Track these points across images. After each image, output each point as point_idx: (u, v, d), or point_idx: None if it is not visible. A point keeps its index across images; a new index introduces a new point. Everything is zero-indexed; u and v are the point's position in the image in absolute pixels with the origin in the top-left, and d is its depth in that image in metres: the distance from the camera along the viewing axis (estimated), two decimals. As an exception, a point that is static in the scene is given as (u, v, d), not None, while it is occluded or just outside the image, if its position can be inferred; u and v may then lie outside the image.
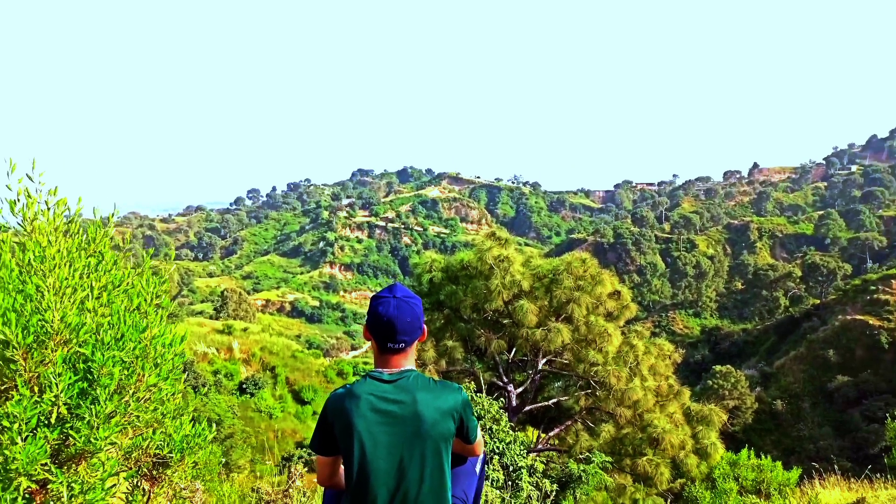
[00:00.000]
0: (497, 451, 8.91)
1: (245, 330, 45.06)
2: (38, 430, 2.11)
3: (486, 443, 8.84)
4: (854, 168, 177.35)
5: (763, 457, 12.12)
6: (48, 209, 2.68)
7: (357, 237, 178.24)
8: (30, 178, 2.72)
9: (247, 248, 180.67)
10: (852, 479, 8.71)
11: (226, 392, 32.55)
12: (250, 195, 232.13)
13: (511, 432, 9.52)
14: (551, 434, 14.28)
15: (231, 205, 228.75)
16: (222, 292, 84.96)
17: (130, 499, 3.01)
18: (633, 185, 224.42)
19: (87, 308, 2.36)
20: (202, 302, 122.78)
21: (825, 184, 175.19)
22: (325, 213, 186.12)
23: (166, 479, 3.20)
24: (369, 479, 2.39)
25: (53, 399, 2.16)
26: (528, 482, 8.80)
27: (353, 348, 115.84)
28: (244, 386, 33.86)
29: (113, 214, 2.93)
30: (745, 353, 72.90)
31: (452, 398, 2.52)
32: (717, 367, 54.17)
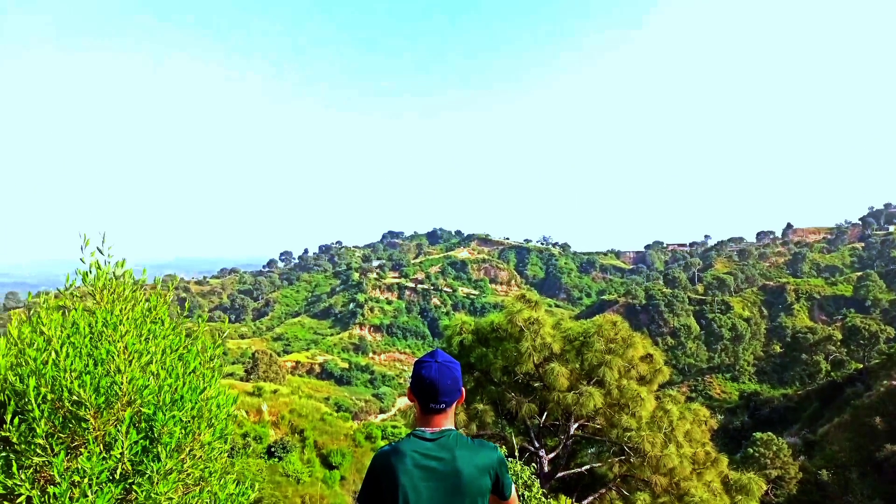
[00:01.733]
0: (529, 518, 8.77)
1: (275, 392, 45.06)
2: (105, 485, 2.28)
3: (517, 509, 8.72)
4: (892, 228, 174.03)
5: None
6: (115, 279, 2.94)
7: (387, 298, 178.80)
8: (100, 251, 2.99)
9: (278, 310, 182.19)
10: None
11: (254, 455, 32.48)
12: (283, 257, 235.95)
13: (544, 499, 9.38)
14: (585, 503, 13.93)
15: (264, 267, 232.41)
16: (253, 354, 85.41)
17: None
18: (665, 245, 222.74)
19: (151, 371, 2.57)
20: (233, 363, 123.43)
21: (862, 244, 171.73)
22: (356, 275, 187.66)
23: (210, 537, 3.32)
24: None
25: (119, 456, 2.35)
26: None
27: (382, 411, 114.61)
28: (272, 449, 33.67)
29: (173, 284, 3.18)
30: (787, 419, 70.32)
31: (489, 456, 2.77)
32: (758, 435, 52.25)
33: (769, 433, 52.73)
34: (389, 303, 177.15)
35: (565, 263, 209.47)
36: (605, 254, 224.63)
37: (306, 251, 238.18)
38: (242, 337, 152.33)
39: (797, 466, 51.31)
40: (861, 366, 72.46)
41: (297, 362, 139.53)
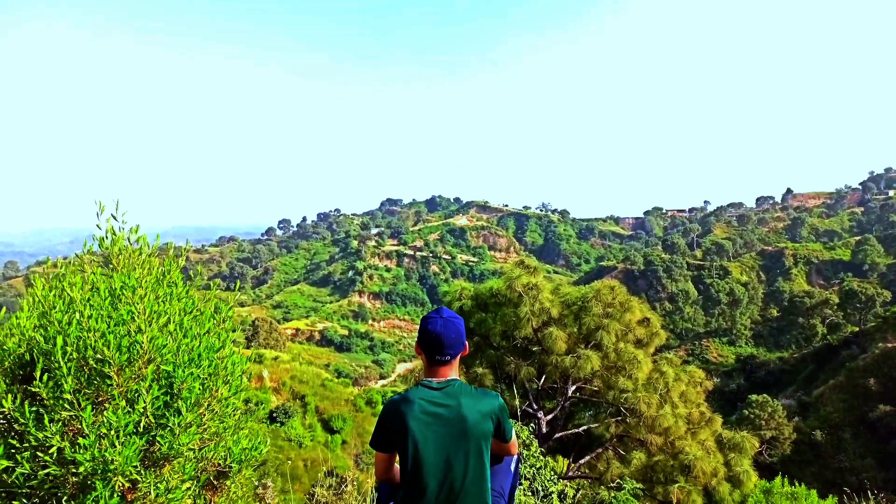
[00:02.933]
0: (528, 476, 9.05)
1: (275, 359, 45.54)
2: (130, 437, 2.44)
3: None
4: (892, 192, 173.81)
5: (798, 485, 12.01)
6: (130, 245, 3.06)
7: (386, 266, 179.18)
8: (114, 217, 3.11)
9: (277, 278, 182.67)
10: (883, 500, 8.63)
11: (256, 421, 33.02)
12: (281, 225, 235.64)
13: (542, 458, 9.65)
14: (582, 462, 14.28)
15: (262, 235, 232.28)
16: (253, 321, 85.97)
17: (191, 507, 3.31)
18: (664, 211, 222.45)
19: (169, 331, 2.71)
20: (233, 331, 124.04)
21: (862, 209, 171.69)
22: (355, 243, 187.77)
23: (225, 489, 3.51)
24: (421, 472, 2.83)
25: (142, 410, 2.50)
26: (560, 507, 8.89)
27: (382, 377, 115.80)
28: (274, 414, 34.20)
29: (185, 249, 3.30)
30: (782, 382, 71.25)
31: (491, 403, 2.98)
32: (753, 397, 53.05)
33: (764, 395, 53.51)
34: (388, 270, 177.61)
35: (564, 230, 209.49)
36: (604, 220, 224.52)
37: (304, 219, 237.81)
38: (242, 305, 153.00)
39: (791, 427, 52.16)
40: (857, 329, 73.14)
41: (297, 329, 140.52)
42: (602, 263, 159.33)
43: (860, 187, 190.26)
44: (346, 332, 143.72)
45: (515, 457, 3.43)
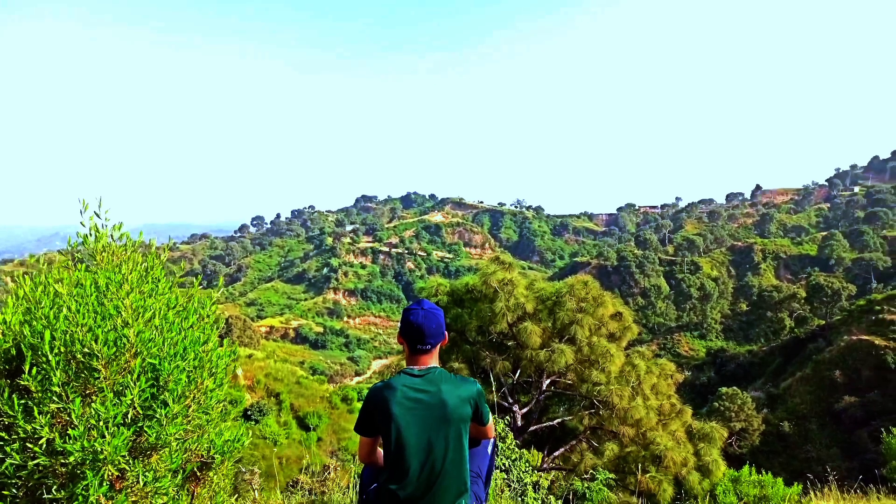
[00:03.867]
0: (503, 467, 9.21)
1: (250, 356, 45.16)
2: (118, 428, 2.52)
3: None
4: (857, 189, 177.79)
5: (764, 473, 12.35)
6: (113, 242, 3.13)
7: (361, 263, 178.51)
8: (97, 214, 3.17)
9: (251, 275, 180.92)
10: (850, 492, 8.96)
11: (230, 419, 32.63)
12: (254, 222, 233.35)
13: (517, 450, 9.83)
14: (556, 454, 14.51)
15: (235, 232, 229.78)
16: (227, 319, 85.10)
17: (177, 498, 3.39)
18: (636, 208, 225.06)
19: (155, 325, 2.79)
20: (216, 325, 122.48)
21: (828, 205, 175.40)
22: (329, 240, 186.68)
23: (208, 481, 3.59)
24: (404, 453, 2.99)
25: (130, 401, 2.58)
26: (534, 498, 9.07)
27: (358, 374, 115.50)
28: (249, 412, 33.95)
29: (167, 246, 3.37)
30: (751, 374, 72.61)
31: (469, 388, 3.17)
32: (723, 389, 54.00)
33: (734, 388, 54.47)
34: (364, 267, 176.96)
35: (539, 226, 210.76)
36: (578, 216, 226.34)
37: (278, 216, 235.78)
38: (202, 304, 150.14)
39: (760, 419, 53.22)
40: (823, 322, 74.80)
41: (271, 327, 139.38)
42: (576, 259, 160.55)
43: (827, 184, 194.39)
44: (321, 330, 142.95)
45: (492, 440, 3.62)
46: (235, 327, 76.09)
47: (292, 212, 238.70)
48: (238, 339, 71.28)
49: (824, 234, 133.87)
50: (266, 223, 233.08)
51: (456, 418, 3.06)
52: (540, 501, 8.86)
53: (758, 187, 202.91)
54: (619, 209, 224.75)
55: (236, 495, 3.89)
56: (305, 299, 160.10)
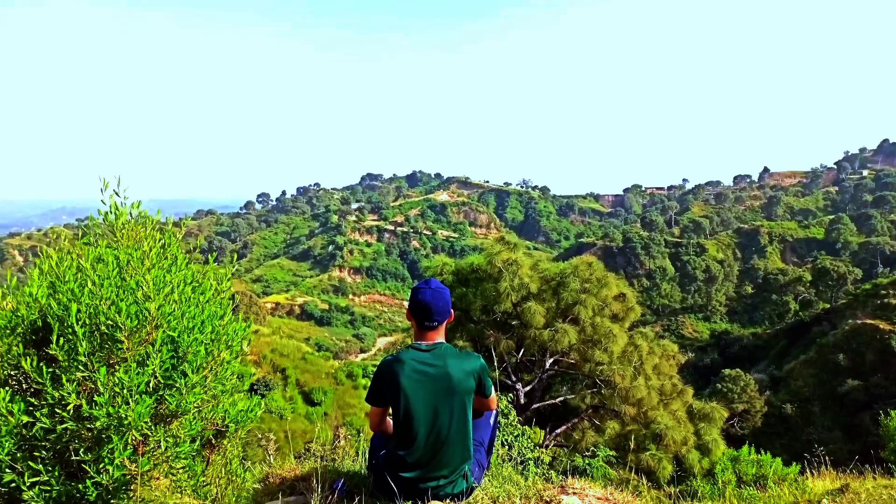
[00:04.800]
0: (506, 443, 9.40)
1: (256, 332, 45.38)
2: (141, 396, 2.66)
3: (496, 436, 9.32)
4: (866, 173, 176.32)
5: (763, 453, 12.55)
6: (132, 220, 3.25)
7: (366, 241, 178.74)
8: (117, 193, 3.29)
9: (256, 252, 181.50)
10: (847, 471, 9.06)
11: (243, 390, 32.98)
12: (260, 199, 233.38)
13: (519, 426, 10.01)
14: (558, 431, 14.73)
15: (241, 209, 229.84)
16: (232, 296, 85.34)
17: (192, 464, 3.55)
18: (643, 189, 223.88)
19: (174, 299, 2.92)
20: (231, 300, 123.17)
21: (836, 188, 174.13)
22: (335, 218, 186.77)
23: (222, 448, 3.75)
24: (412, 422, 3.21)
25: (152, 371, 2.72)
26: (535, 473, 9.27)
27: (363, 351, 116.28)
28: (255, 387, 34.28)
29: (184, 222, 3.49)
30: (755, 357, 72.73)
31: (473, 363, 3.36)
32: (727, 371, 54.17)
33: (737, 370, 54.61)
34: (369, 245, 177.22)
35: (544, 206, 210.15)
36: (584, 197, 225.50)
37: (284, 193, 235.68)
38: (217, 279, 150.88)
39: (762, 401, 53.39)
40: (828, 306, 74.70)
41: (277, 304, 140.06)
42: (581, 240, 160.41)
43: (835, 167, 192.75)
44: (326, 307, 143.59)
45: (494, 412, 3.81)
46: (242, 303, 76.63)
47: (298, 189, 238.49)
48: (244, 315, 71.79)
49: (832, 217, 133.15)
50: (272, 200, 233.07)
51: (460, 390, 3.26)
52: (541, 473, 9.05)
53: (766, 169, 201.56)
54: (626, 190, 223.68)
55: (248, 462, 4.05)
56: (311, 276, 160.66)
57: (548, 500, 3.23)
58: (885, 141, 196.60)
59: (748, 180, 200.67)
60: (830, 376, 57.49)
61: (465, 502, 3.39)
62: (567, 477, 3.65)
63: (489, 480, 3.78)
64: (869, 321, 60.78)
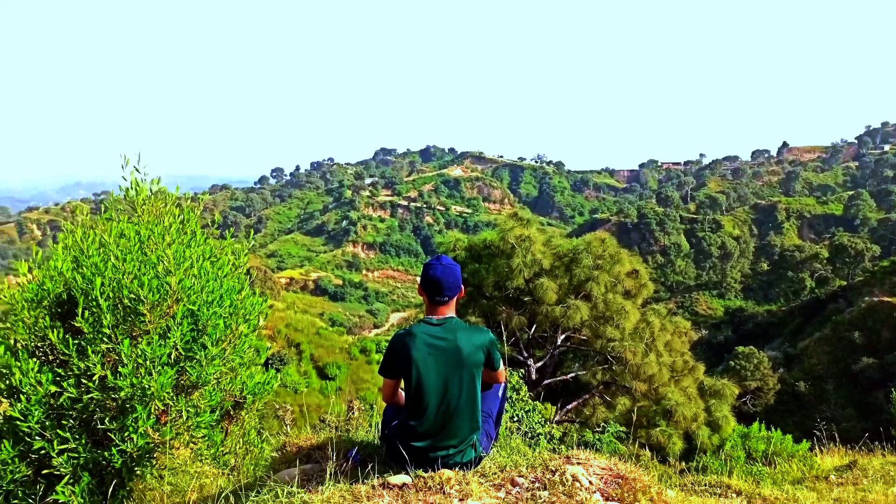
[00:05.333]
0: (516, 418, 9.52)
1: (270, 307, 45.68)
2: (163, 367, 2.76)
3: (506, 410, 9.47)
4: (887, 147, 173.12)
5: (773, 430, 12.62)
6: (152, 196, 3.33)
7: (380, 216, 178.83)
8: (137, 169, 3.37)
9: (271, 227, 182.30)
10: (856, 448, 9.12)
11: (260, 363, 33.51)
12: (274, 174, 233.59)
13: (530, 401, 10.13)
14: (569, 407, 14.87)
15: (255, 184, 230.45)
16: (248, 270, 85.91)
17: (211, 434, 3.67)
18: (659, 164, 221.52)
19: (194, 274, 3.00)
20: (247, 275, 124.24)
21: (856, 164, 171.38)
22: (348, 193, 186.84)
23: (240, 419, 3.87)
24: (423, 393, 3.34)
25: (173, 344, 2.82)
26: (546, 448, 9.40)
27: (376, 326, 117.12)
28: (270, 362, 34.72)
29: (202, 199, 3.57)
30: (770, 334, 72.47)
31: (482, 337, 3.49)
32: (740, 348, 54.02)
33: (751, 347, 54.44)
34: (382, 220, 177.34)
35: (559, 182, 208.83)
36: (599, 172, 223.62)
37: (298, 168, 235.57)
38: (235, 254, 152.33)
39: (776, 378, 53.23)
40: (845, 283, 74.05)
41: (291, 279, 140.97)
42: (596, 216, 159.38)
43: (856, 141, 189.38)
44: (339, 282, 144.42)
45: (503, 384, 3.93)
46: (256, 278, 77.28)
47: (311, 164, 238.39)
48: (259, 290, 72.35)
49: (851, 193, 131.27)
50: (285, 175, 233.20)
51: (470, 363, 3.38)
52: (551, 448, 9.17)
53: (784, 144, 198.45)
54: (641, 165, 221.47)
55: (266, 433, 4.18)
56: (325, 252, 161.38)
57: (553, 469, 3.32)
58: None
59: (766, 155, 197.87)
60: (845, 354, 57.22)
61: (474, 471, 3.50)
62: (573, 449, 3.74)
63: (497, 451, 3.90)
64: (886, 299, 60.24)
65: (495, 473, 3.48)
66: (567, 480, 3.16)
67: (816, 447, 9.55)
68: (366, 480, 3.26)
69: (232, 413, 3.74)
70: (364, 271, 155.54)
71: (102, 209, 3.46)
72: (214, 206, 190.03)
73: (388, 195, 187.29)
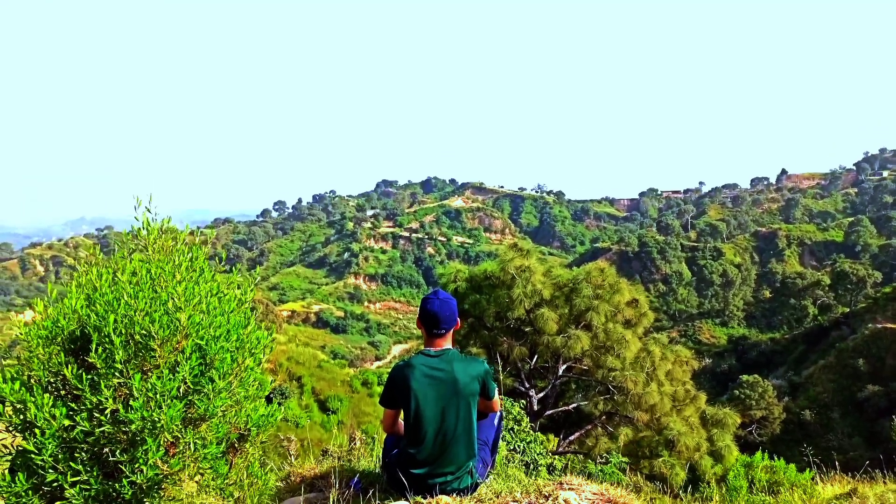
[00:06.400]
0: (518, 449, 9.55)
1: (272, 340, 45.54)
2: (172, 400, 2.88)
3: (508, 441, 9.51)
4: (886, 174, 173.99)
5: (777, 459, 12.56)
6: (162, 235, 3.49)
7: (381, 248, 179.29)
8: (148, 209, 3.53)
9: (273, 260, 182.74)
10: (858, 477, 9.09)
11: (263, 395, 33.40)
12: (276, 207, 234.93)
13: (532, 432, 10.15)
14: (572, 438, 14.83)
15: (258, 217, 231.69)
16: (252, 305, 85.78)
17: (216, 465, 3.76)
18: (659, 193, 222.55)
19: (202, 310, 3.15)
20: (252, 310, 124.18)
21: (856, 190, 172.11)
22: (350, 225, 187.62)
23: (244, 451, 3.96)
24: (422, 422, 3.50)
25: (182, 377, 2.95)
26: (548, 479, 9.39)
27: (378, 358, 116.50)
28: (271, 395, 34.54)
29: (209, 234, 3.73)
30: (773, 362, 71.98)
31: (478, 367, 3.66)
32: (744, 377, 53.65)
33: (755, 375, 54.05)
34: (384, 252, 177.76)
35: (559, 211, 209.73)
36: (600, 201, 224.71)
37: (300, 200, 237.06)
38: (231, 285, 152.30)
39: (781, 407, 52.79)
40: (847, 310, 73.82)
41: (293, 311, 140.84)
42: (597, 245, 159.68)
43: (854, 168, 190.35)
44: (341, 314, 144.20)
45: (498, 413, 4.09)
46: (258, 311, 76.95)
47: (314, 196, 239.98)
48: (260, 323, 72.19)
49: (851, 219, 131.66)
50: (288, 208, 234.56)
51: (466, 393, 3.55)
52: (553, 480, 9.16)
53: (783, 171, 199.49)
54: (642, 194, 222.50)
55: (269, 465, 4.28)
56: (326, 284, 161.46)
57: (546, 494, 3.44)
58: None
59: (766, 183, 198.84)
60: (850, 382, 56.76)
61: (471, 496, 3.65)
62: (566, 474, 3.86)
63: (494, 478, 4.05)
64: (889, 325, 60.00)
65: (491, 499, 3.62)
66: (559, 505, 3.27)
67: (817, 476, 9.51)
68: (367, 507, 3.38)
69: (236, 445, 3.83)
70: (366, 303, 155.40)
71: (115, 248, 3.61)
72: (217, 240, 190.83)
73: (389, 226, 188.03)
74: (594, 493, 3.45)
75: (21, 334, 3.05)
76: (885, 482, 8.48)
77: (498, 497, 3.57)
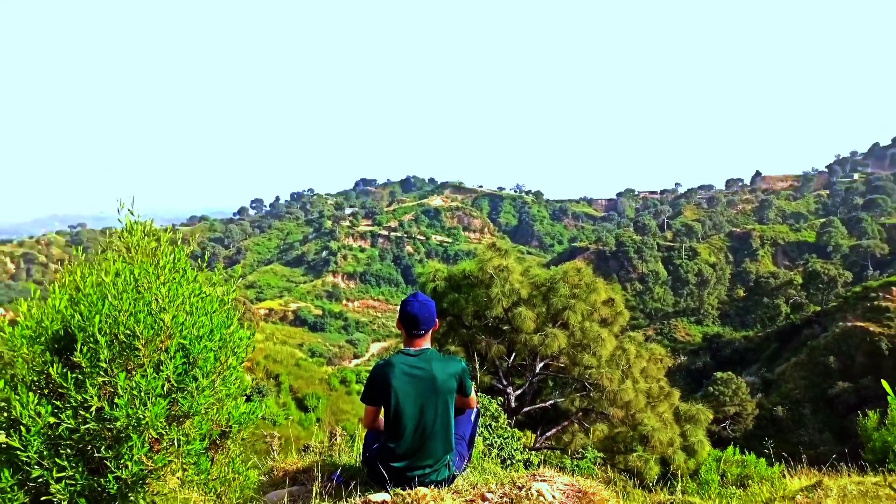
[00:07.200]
0: (495, 444, 9.69)
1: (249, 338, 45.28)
2: (156, 399, 2.96)
3: (485, 437, 9.66)
4: (856, 176, 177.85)
5: (748, 454, 12.89)
6: (146, 237, 3.56)
7: (360, 246, 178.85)
8: (131, 212, 3.60)
9: (250, 258, 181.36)
10: (824, 470, 9.38)
11: (243, 393, 33.28)
12: (253, 205, 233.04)
13: (509, 428, 10.30)
14: (548, 434, 15.03)
15: (234, 215, 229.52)
16: (234, 304, 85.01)
17: (198, 461, 3.84)
18: (636, 193, 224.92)
19: (185, 310, 3.22)
20: (234, 310, 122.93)
21: (827, 192, 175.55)
22: (328, 223, 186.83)
23: (226, 448, 4.04)
24: (401, 418, 3.69)
25: (166, 376, 3.03)
26: (522, 473, 9.55)
27: (356, 356, 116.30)
28: (248, 394, 34.30)
29: (194, 239, 3.80)
30: (747, 360, 73.18)
31: (455, 366, 3.86)
32: (718, 374, 54.54)
33: (729, 373, 54.95)
34: (363, 250, 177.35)
35: (538, 211, 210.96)
36: (578, 201, 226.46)
37: (277, 198, 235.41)
38: (213, 285, 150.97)
39: (754, 403, 53.75)
40: (819, 308, 75.30)
41: (270, 309, 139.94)
42: (574, 244, 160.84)
43: (826, 170, 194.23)
44: (319, 312, 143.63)
45: (475, 409, 4.30)
46: (239, 311, 76.49)
47: (291, 195, 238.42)
48: (238, 321, 71.67)
49: (823, 220, 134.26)
50: (265, 206, 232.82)
51: (444, 390, 3.75)
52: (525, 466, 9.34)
53: (757, 173, 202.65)
54: (619, 194, 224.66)
55: (251, 460, 4.36)
56: (304, 282, 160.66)
57: (520, 485, 3.59)
58: (876, 145, 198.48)
59: (740, 184, 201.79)
60: (821, 379, 57.99)
61: (448, 488, 3.82)
62: (540, 467, 4.03)
63: (471, 471, 4.24)
64: (859, 324, 61.37)
65: (467, 490, 3.79)
66: (532, 495, 3.49)
67: (785, 470, 9.79)
68: (349, 499, 3.54)
69: (218, 442, 3.91)
70: (344, 301, 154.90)
71: (90, 245, 3.66)
72: (192, 238, 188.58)
73: (368, 225, 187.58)
74: (565, 485, 3.63)
75: (4, 334, 3.10)
76: (849, 475, 8.78)
77: (474, 488, 3.73)
